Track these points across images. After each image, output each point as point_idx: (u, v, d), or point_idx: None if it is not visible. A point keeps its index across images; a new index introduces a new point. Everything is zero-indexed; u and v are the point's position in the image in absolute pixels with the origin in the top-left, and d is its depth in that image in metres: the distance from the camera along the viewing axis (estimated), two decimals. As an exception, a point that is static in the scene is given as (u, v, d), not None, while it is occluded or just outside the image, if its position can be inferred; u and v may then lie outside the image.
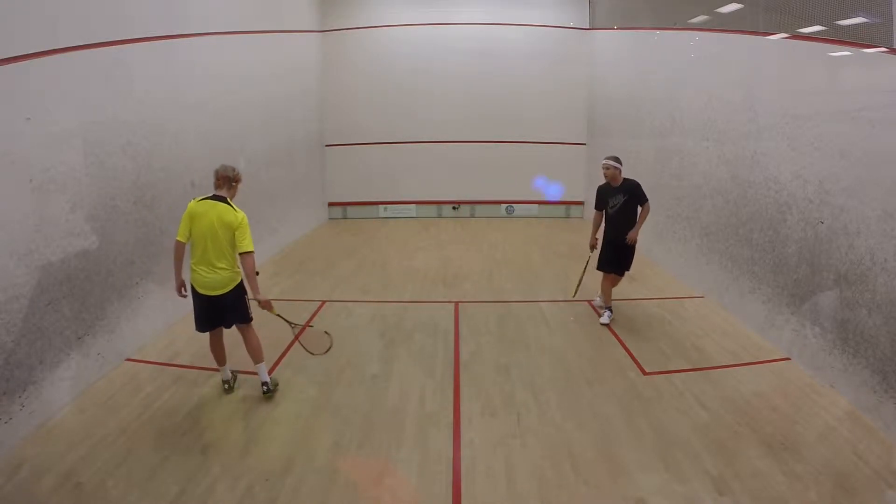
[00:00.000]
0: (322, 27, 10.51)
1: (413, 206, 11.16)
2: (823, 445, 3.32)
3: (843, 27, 4.18)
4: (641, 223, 5.15)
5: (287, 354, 4.67)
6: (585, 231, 9.87)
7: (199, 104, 5.88)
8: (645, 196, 5.15)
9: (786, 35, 4.84)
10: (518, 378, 4.25)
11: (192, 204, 3.73)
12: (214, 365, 4.08)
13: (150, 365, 4.44)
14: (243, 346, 3.96)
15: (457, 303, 5.99)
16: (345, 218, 11.17)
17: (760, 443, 3.34)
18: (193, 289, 3.78)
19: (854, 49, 4.06)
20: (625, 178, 5.19)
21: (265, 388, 3.92)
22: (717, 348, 4.74)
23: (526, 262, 7.80)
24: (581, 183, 10.90)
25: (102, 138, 4.30)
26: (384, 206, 11.16)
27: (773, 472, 3.06)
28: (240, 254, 3.71)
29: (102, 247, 4.25)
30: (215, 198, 3.75)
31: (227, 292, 3.78)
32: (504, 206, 11.15)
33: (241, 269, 3.79)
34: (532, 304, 5.96)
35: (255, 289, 3.76)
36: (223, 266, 3.72)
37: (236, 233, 3.68)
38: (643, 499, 2.89)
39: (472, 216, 11.16)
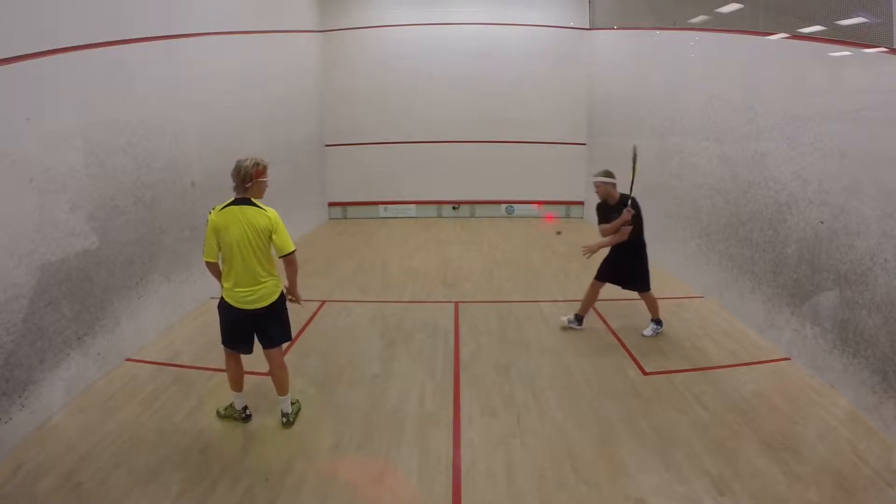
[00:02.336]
0: (322, 27, 10.51)
1: (413, 206, 11.16)
2: (823, 445, 3.32)
3: (843, 27, 4.18)
4: (609, 231, 4.73)
5: (286, 355, 4.66)
6: (586, 231, 9.96)
7: (199, 104, 5.88)
8: (639, 217, 4.76)
9: (786, 35, 4.84)
10: (518, 378, 4.25)
11: (213, 216, 3.28)
12: (214, 365, 4.06)
13: (150, 365, 4.44)
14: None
15: (457, 303, 5.98)
16: (345, 218, 11.17)
17: (760, 443, 3.34)
18: (227, 304, 3.40)
19: (854, 49, 4.06)
20: (621, 194, 4.81)
21: (286, 419, 3.58)
22: (717, 348, 4.74)
23: (526, 262, 7.80)
24: (581, 183, 10.89)
25: (102, 138, 4.30)
26: (384, 206, 11.16)
27: (773, 472, 3.06)
28: (282, 257, 3.35)
29: (102, 247, 4.24)
30: (238, 202, 3.30)
31: (268, 305, 3.39)
32: (504, 206, 11.16)
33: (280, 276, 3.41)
34: (532, 304, 5.96)
35: (294, 290, 3.53)
36: (266, 277, 3.35)
37: (273, 236, 3.29)
38: (643, 499, 2.89)
39: (472, 216, 11.17)
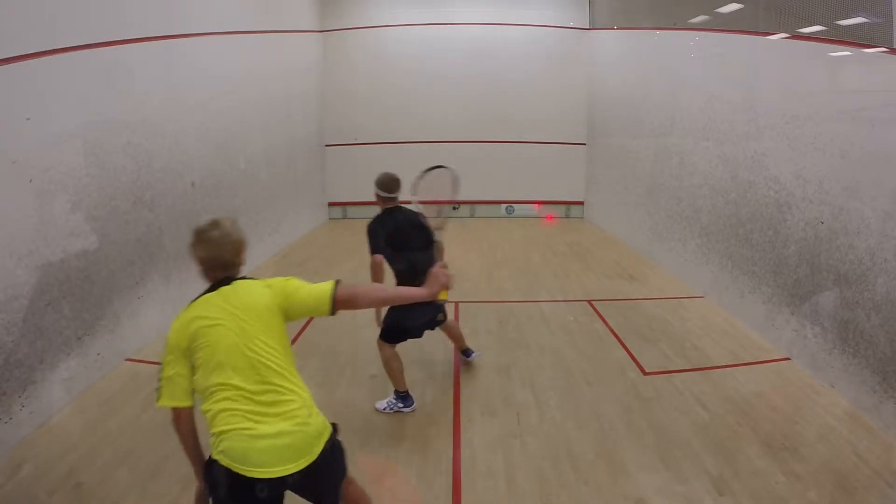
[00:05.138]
0: (322, 27, 10.50)
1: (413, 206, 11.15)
2: (823, 445, 3.32)
3: (843, 27, 4.18)
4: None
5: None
6: (586, 231, 9.97)
7: (199, 104, 5.87)
8: (370, 245, 3.59)
9: (786, 35, 4.84)
10: (518, 378, 4.25)
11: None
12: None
13: (149, 365, 4.43)
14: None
15: (457, 303, 5.97)
16: (345, 218, 11.16)
17: (760, 443, 3.34)
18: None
19: (854, 49, 4.06)
20: (391, 210, 3.80)
21: None
22: (717, 348, 4.74)
23: (526, 261, 7.80)
24: (581, 183, 10.90)
25: (102, 138, 4.30)
26: (384, 206, 11.14)
27: (773, 472, 3.06)
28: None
29: (102, 247, 4.24)
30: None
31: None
32: (504, 206, 11.15)
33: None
34: (532, 304, 5.96)
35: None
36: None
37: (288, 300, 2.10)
38: (643, 499, 2.89)
39: (472, 216, 11.15)
